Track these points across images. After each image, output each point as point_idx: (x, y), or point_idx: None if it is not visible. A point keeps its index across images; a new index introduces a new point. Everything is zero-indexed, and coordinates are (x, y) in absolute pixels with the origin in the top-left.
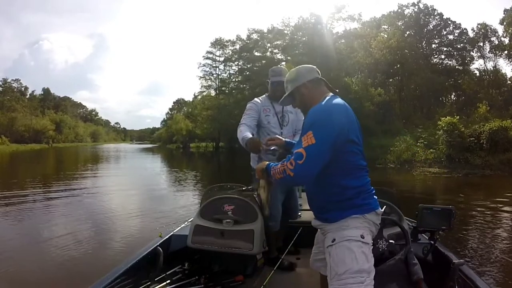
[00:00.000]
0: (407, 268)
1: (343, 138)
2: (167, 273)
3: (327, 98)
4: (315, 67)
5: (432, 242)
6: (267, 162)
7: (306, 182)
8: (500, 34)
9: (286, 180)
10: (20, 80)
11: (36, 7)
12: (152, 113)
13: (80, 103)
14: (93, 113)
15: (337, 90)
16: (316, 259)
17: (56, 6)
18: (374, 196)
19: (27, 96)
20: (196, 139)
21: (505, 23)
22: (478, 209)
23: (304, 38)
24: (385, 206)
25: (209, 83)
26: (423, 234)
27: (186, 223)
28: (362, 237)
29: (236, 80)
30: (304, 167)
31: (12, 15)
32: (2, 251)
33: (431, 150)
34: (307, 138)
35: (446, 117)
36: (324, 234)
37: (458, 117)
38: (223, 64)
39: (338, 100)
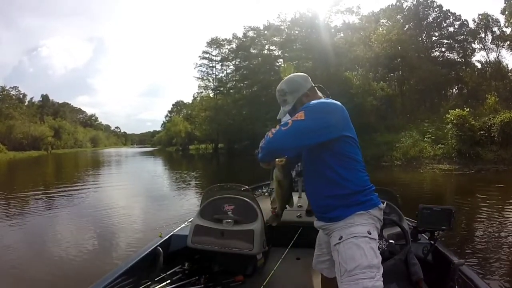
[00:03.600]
0: (407, 268)
1: (336, 131)
2: (167, 273)
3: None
4: (306, 74)
5: (432, 242)
6: None
7: (279, 149)
8: (502, 24)
9: (266, 144)
10: (18, 87)
11: (34, 11)
12: (153, 116)
13: (79, 108)
14: (93, 118)
15: (330, 95)
16: (319, 261)
17: (54, 10)
18: (375, 193)
19: (26, 103)
20: (195, 141)
21: (506, 12)
22: (483, 209)
23: (301, 33)
24: (384, 205)
25: (206, 83)
26: (423, 234)
27: (186, 223)
28: (369, 233)
29: (233, 79)
30: (284, 134)
31: (10, 19)
32: (4, 252)
33: (440, 145)
34: (298, 115)
35: (455, 110)
36: (329, 234)
37: (468, 109)
38: (220, 64)
39: (335, 101)
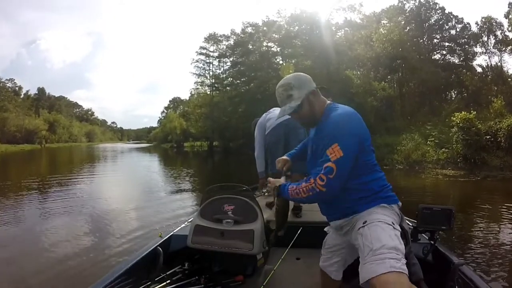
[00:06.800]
0: (407, 268)
1: (362, 143)
2: (167, 273)
3: (338, 107)
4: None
5: (432, 242)
6: (281, 182)
7: (337, 194)
8: (505, 28)
9: (316, 196)
10: (14, 79)
11: (33, 5)
12: (150, 113)
13: (75, 102)
14: (89, 112)
15: (333, 95)
16: (329, 264)
17: (53, 4)
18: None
19: (21, 96)
20: (190, 138)
21: (510, 16)
22: (484, 211)
23: (301, 29)
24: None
25: (203, 79)
26: (423, 234)
27: (186, 223)
28: (393, 223)
29: (230, 76)
30: (335, 180)
31: (9, 13)
32: (1, 252)
33: (443, 149)
34: (334, 151)
35: (462, 112)
36: (350, 225)
37: (475, 112)
38: (217, 60)
39: (349, 109)
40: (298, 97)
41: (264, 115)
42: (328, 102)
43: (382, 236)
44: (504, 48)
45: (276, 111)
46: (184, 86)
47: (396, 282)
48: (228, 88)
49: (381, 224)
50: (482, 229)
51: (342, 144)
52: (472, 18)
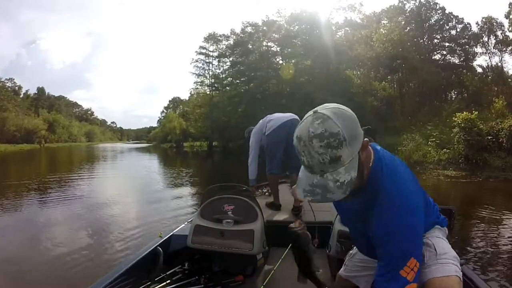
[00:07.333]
0: None
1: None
2: (167, 273)
3: (384, 172)
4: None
5: None
6: None
7: None
8: (506, 28)
9: None
10: (14, 79)
11: (33, 5)
12: (150, 113)
13: (75, 102)
14: (89, 112)
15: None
16: (359, 275)
17: (53, 4)
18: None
19: (21, 96)
20: (190, 138)
21: (510, 16)
22: (485, 211)
23: (301, 29)
24: None
25: (202, 79)
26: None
27: (186, 223)
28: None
29: (230, 75)
30: None
31: (9, 13)
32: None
33: (445, 150)
34: (411, 268)
35: (463, 113)
36: None
37: (476, 112)
38: (216, 59)
39: (399, 170)
40: (351, 161)
41: (261, 121)
42: (372, 153)
43: (444, 245)
44: (504, 48)
45: (277, 114)
46: (183, 86)
47: None
48: (227, 88)
49: (440, 238)
50: (482, 229)
51: (417, 254)
52: (473, 18)
